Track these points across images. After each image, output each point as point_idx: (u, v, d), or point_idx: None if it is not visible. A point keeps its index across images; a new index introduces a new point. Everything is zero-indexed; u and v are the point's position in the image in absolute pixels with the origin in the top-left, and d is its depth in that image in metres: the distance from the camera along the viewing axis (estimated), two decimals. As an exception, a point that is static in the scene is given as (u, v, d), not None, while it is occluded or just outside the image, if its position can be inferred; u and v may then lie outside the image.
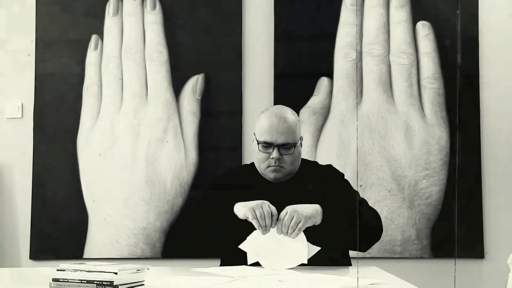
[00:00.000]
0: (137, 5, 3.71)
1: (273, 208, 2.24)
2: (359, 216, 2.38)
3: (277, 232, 2.23)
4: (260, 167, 2.45)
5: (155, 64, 3.68)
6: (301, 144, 2.49)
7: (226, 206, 2.33)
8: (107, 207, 3.64)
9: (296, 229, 2.20)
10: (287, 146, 2.40)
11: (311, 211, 2.24)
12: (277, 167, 2.41)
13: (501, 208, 3.61)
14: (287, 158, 2.41)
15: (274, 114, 2.42)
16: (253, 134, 2.49)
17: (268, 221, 2.21)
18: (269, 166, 2.42)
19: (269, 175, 2.44)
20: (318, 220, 2.25)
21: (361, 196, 2.60)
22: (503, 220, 3.60)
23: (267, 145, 2.40)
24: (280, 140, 2.39)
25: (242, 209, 2.26)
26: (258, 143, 2.42)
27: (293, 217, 2.20)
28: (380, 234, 2.46)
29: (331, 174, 2.55)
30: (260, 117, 2.47)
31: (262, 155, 2.42)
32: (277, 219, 2.23)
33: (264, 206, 2.22)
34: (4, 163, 3.72)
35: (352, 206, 2.40)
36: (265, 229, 2.21)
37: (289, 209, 2.23)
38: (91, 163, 3.66)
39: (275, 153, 2.39)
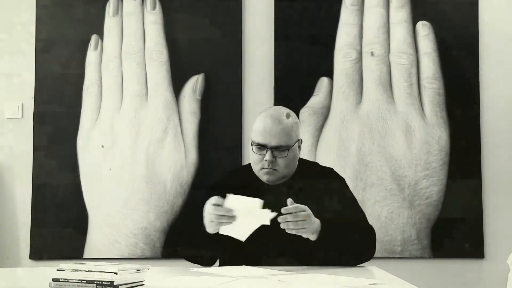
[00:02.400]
0: (137, 5, 3.71)
1: (215, 200, 2.20)
2: (354, 231, 2.35)
3: (280, 219, 2.18)
4: (255, 168, 2.43)
5: (155, 64, 3.68)
6: (299, 146, 2.45)
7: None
8: (107, 207, 3.64)
9: (301, 228, 2.17)
10: (281, 149, 2.37)
11: (315, 227, 2.23)
12: (270, 170, 2.38)
13: (501, 208, 3.61)
14: (280, 161, 2.38)
15: (270, 116, 2.39)
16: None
17: (224, 218, 2.17)
18: (262, 168, 2.39)
19: (263, 177, 2.41)
20: (313, 237, 2.24)
21: (361, 197, 2.57)
22: (503, 220, 3.60)
23: (261, 147, 2.38)
24: (273, 142, 2.36)
25: (208, 226, 2.24)
26: (252, 145, 2.40)
27: (305, 220, 2.18)
28: (371, 256, 2.41)
29: (331, 180, 2.50)
30: (257, 118, 2.44)
31: (257, 157, 2.40)
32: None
33: (211, 210, 2.19)
34: (4, 163, 3.72)
35: (350, 217, 2.38)
36: (229, 221, 2.18)
37: (308, 211, 2.20)
38: (91, 163, 3.66)
39: (268, 156, 2.36)
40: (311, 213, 2.22)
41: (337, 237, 2.28)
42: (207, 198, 2.39)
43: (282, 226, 2.18)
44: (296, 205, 2.19)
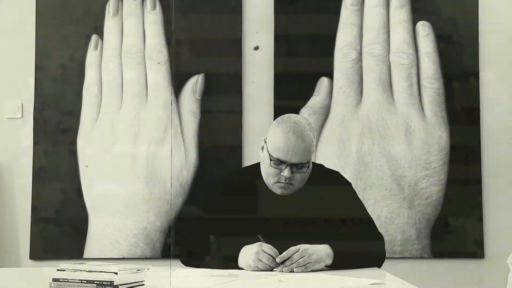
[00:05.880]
0: (137, 5, 3.71)
1: (269, 249, 2.13)
2: (363, 238, 2.29)
3: (282, 269, 2.11)
4: (268, 180, 2.34)
5: (155, 64, 3.68)
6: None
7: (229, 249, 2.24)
8: (107, 207, 3.64)
9: (303, 266, 2.11)
10: (300, 166, 2.29)
11: (322, 255, 2.15)
12: (286, 185, 2.30)
13: (501, 208, 3.61)
14: (298, 176, 2.30)
15: (292, 131, 2.26)
16: (263, 141, 2.37)
17: (271, 266, 2.12)
18: (278, 182, 2.31)
19: (277, 190, 2.34)
20: (328, 262, 2.18)
21: (361, 197, 2.53)
22: (503, 220, 3.60)
23: (279, 162, 2.28)
24: (294, 159, 2.27)
25: (246, 265, 2.16)
26: (270, 159, 2.29)
27: (304, 256, 2.11)
28: (381, 262, 2.37)
29: (339, 187, 2.43)
30: (276, 129, 2.31)
31: (272, 170, 2.30)
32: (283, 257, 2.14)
33: (261, 256, 2.13)
34: (4, 163, 3.72)
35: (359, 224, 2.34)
36: (278, 266, 2.14)
37: (301, 247, 2.13)
38: (91, 163, 3.66)
39: (286, 172, 2.27)
40: (307, 246, 2.14)
41: (349, 255, 2.22)
42: (212, 201, 2.37)
43: (286, 271, 2.11)
44: (289, 250, 2.13)
